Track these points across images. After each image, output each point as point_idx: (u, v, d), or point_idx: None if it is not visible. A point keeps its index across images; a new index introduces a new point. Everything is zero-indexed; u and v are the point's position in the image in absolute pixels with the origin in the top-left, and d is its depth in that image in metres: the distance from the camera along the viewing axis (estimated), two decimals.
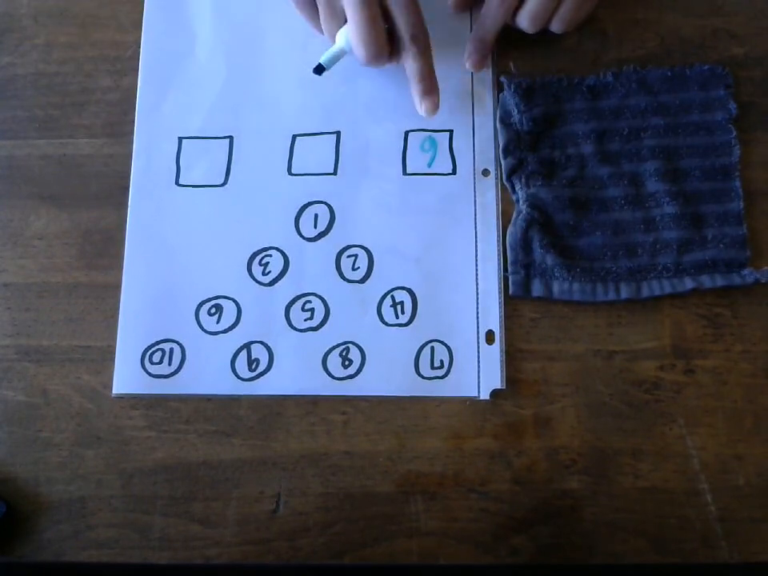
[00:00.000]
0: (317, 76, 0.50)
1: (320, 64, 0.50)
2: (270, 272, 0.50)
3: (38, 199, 0.52)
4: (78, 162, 0.52)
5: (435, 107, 0.49)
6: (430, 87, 0.49)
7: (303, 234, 0.50)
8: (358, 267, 0.49)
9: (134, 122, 0.52)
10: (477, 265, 0.49)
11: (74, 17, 0.55)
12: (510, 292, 0.49)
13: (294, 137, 0.52)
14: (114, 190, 0.51)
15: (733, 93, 0.51)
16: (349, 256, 0.50)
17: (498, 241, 0.50)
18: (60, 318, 0.50)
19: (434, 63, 0.49)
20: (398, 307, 0.49)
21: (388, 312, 0.49)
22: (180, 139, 0.52)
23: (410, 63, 0.48)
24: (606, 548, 0.46)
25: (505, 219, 0.50)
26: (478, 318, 0.48)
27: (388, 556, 0.46)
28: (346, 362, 0.48)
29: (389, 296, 0.49)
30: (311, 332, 0.49)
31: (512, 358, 0.48)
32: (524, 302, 0.49)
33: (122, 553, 0.46)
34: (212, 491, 0.47)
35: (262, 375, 0.48)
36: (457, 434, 0.47)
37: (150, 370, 0.48)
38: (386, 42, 0.48)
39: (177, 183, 0.52)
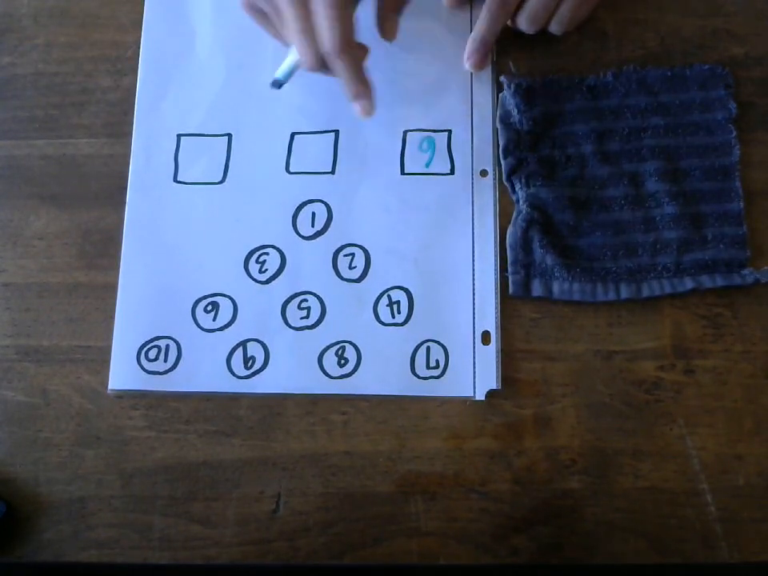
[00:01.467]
0: (276, 90, 0.49)
1: (276, 79, 0.48)
2: (266, 270, 0.50)
3: (37, 199, 0.52)
4: (78, 162, 0.52)
5: (367, 110, 0.49)
6: (358, 92, 0.48)
7: (300, 232, 0.50)
8: (355, 266, 0.49)
9: (133, 121, 0.52)
10: (473, 265, 0.49)
11: (73, 17, 0.55)
12: (510, 292, 0.49)
13: (293, 135, 0.52)
14: (114, 190, 0.51)
15: (733, 93, 0.51)
16: (346, 255, 0.50)
17: (495, 242, 0.50)
18: (60, 318, 0.50)
19: (364, 68, 0.48)
20: (395, 307, 0.49)
21: (384, 311, 0.49)
22: (179, 136, 0.52)
23: (338, 74, 0.48)
24: (606, 548, 0.46)
25: (503, 220, 0.50)
26: (474, 318, 0.48)
27: (388, 556, 0.46)
28: (342, 361, 0.48)
29: (385, 295, 0.49)
30: (307, 330, 0.49)
31: (512, 358, 0.48)
32: (524, 301, 0.49)
33: (122, 553, 0.46)
34: (212, 491, 0.47)
35: (258, 373, 0.48)
36: (457, 434, 0.47)
37: (145, 367, 0.48)
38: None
39: (175, 180, 0.52)
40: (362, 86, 0.49)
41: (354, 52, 0.47)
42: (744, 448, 0.47)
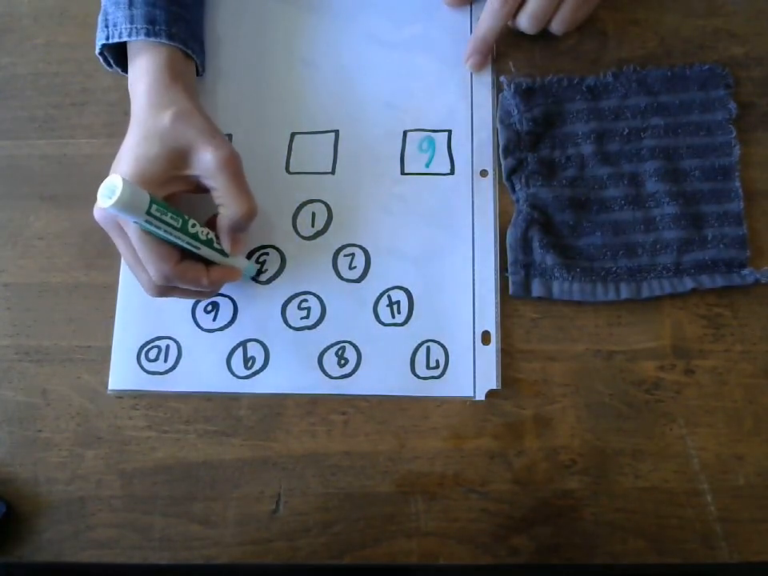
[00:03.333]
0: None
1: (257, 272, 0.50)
2: (266, 270, 0.50)
3: (37, 199, 0.52)
4: (78, 162, 0.52)
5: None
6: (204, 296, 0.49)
7: (300, 232, 0.50)
8: (355, 266, 0.49)
9: None
10: (473, 265, 0.49)
11: (73, 17, 0.55)
12: (510, 292, 0.48)
13: (293, 135, 0.52)
14: None
15: (733, 93, 0.51)
16: (346, 255, 0.50)
17: (495, 242, 0.50)
18: (60, 318, 0.50)
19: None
20: (395, 307, 0.49)
21: (384, 311, 0.49)
22: None
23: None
24: (606, 548, 0.46)
25: (502, 220, 0.50)
26: (474, 318, 0.48)
27: (388, 556, 0.46)
28: (342, 361, 0.48)
29: (385, 295, 0.49)
30: (307, 330, 0.49)
31: (512, 358, 0.48)
32: (524, 302, 0.49)
33: (122, 553, 0.46)
34: (212, 491, 0.47)
35: (258, 373, 0.48)
36: (457, 434, 0.47)
37: (145, 367, 0.48)
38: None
39: None
40: (206, 294, 0.48)
41: (184, 273, 0.44)
42: (744, 448, 0.47)
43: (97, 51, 0.49)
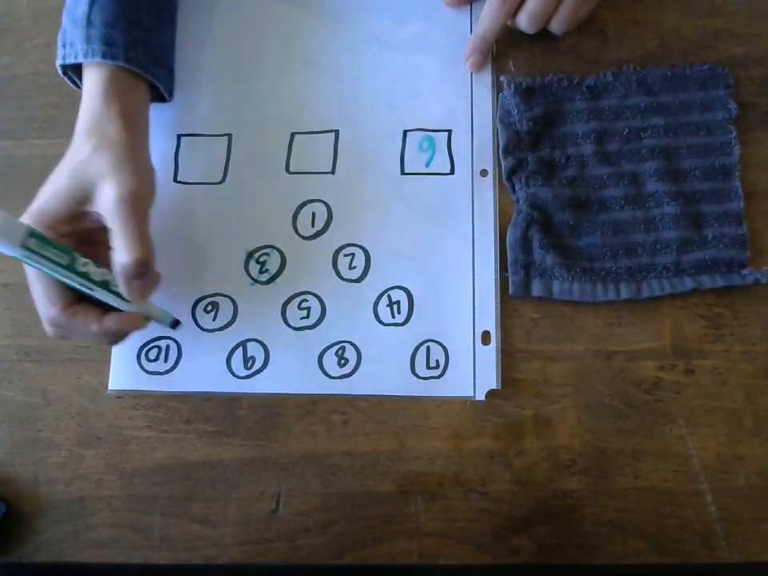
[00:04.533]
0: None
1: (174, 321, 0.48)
2: (266, 270, 0.50)
3: None
4: None
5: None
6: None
7: (300, 232, 0.50)
8: (355, 266, 0.49)
9: None
10: (473, 265, 0.49)
11: None
12: (510, 292, 0.48)
13: (293, 135, 0.52)
14: None
15: (733, 93, 0.51)
16: (346, 255, 0.50)
17: (495, 241, 0.50)
18: None
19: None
20: (395, 307, 0.49)
21: (384, 311, 0.49)
22: (179, 136, 0.52)
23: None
24: (606, 548, 0.46)
25: (502, 220, 0.50)
26: (474, 318, 0.48)
27: (388, 556, 0.46)
28: (342, 361, 0.48)
29: (385, 295, 0.49)
30: (307, 330, 0.49)
31: (512, 358, 0.48)
32: (524, 301, 0.49)
33: (121, 553, 0.46)
34: (212, 491, 0.47)
35: (258, 373, 0.48)
36: (457, 435, 0.47)
37: (145, 367, 0.49)
38: None
39: (175, 180, 0.52)
40: (109, 342, 0.45)
41: (73, 318, 0.42)
42: (744, 448, 0.47)
43: (59, 72, 0.47)
